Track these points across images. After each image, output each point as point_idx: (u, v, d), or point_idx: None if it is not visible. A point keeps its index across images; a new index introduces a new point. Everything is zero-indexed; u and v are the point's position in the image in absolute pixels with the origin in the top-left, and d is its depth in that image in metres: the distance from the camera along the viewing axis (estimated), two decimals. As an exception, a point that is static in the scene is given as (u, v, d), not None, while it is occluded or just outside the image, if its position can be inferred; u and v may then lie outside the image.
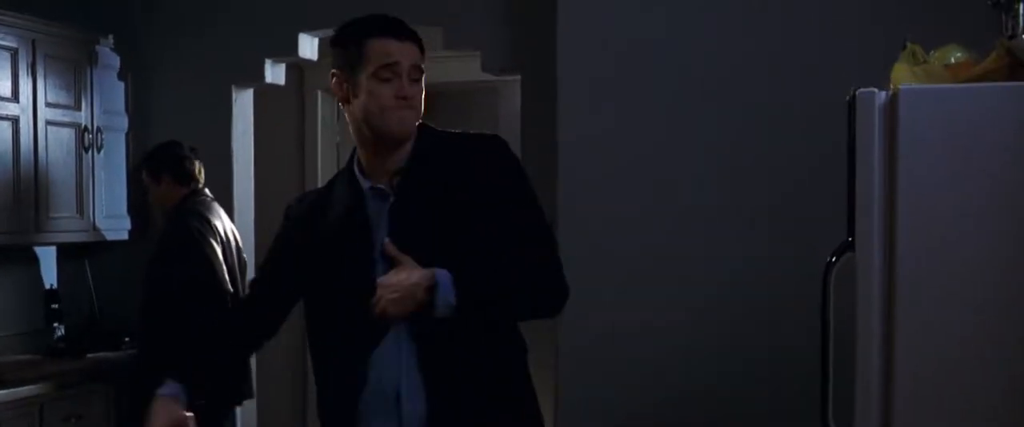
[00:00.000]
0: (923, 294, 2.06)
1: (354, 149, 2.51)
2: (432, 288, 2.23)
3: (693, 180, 4.03)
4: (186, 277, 4.38)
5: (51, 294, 5.22)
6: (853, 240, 2.13)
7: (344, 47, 2.41)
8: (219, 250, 4.49)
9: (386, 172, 2.40)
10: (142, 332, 4.57)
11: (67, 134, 4.94)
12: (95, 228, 5.11)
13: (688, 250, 4.01)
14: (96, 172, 5.11)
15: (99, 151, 5.12)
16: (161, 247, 4.54)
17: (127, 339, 5.10)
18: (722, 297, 3.96)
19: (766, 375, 3.84)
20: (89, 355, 4.96)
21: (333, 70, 2.42)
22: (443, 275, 2.24)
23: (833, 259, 2.20)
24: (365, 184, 2.42)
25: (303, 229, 2.52)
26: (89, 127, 5.05)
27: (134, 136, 5.37)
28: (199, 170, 4.70)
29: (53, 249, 5.27)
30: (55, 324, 5.16)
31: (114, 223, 5.23)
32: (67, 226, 4.97)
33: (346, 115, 2.46)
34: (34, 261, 5.21)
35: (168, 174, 4.65)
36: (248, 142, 5.49)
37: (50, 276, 5.27)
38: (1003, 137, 2.07)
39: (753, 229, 3.94)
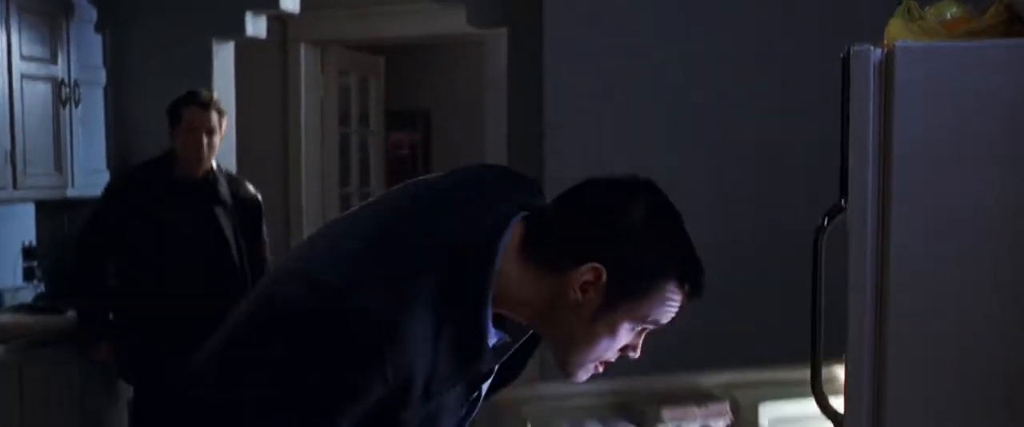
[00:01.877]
0: (918, 258, 2.00)
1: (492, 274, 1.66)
2: None
3: (687, 138, 3.95)
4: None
5: (28, 251, 5.15)
6: (845, 203, 2.07)
7: (644, 269, 1.67)
8: None
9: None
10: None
11: (43, 88, 4.85)
12: (73, 184, 5.03)
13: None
14: (74, 127, 5.02)
15: (77, 106, 5.03)
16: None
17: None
18: (719, 284, 3.86)
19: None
20: (69, 313, 4.90)
21: (595, 264, 1.64)
22: None
23: (824, 222, 2.14)
24: (495, 337, 1.71)
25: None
26: (66, 81, 4.96)
27: (112, 90, 5.29)
28: None
29: (31, 206, 5.19)
30: (33, 282, 5.10)
31: (93, 178, 5.15)
32: (45, 182, 4.89)
33: (552, 295, 1.68)
34: (8, 217, 5.12)
35: None
36: (229, 97, 5.39)
37: (28, 233, 5.19)
38: (1001, 94, 2.00)
39: (747, 216, 3.85)
